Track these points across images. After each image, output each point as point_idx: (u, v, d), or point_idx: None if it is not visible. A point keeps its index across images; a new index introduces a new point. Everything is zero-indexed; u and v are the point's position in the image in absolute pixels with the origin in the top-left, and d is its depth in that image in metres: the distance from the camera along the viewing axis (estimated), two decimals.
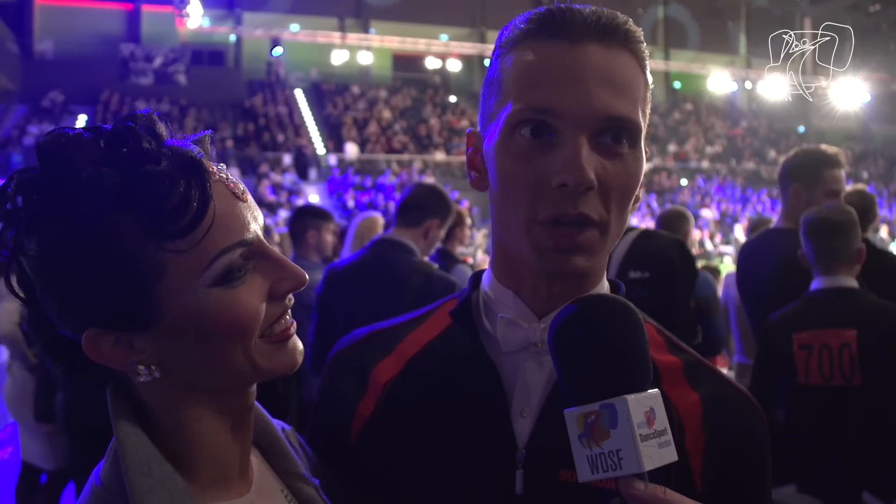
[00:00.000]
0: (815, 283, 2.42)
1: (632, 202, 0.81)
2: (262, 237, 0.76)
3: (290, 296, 0.78)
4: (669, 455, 0.66)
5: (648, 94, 0.82)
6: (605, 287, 0.89)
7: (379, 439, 0.89)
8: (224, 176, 0.75)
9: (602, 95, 0.76)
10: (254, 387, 0.80)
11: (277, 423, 0.90)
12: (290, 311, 0.79)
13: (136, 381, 0.73)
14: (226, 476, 0.77)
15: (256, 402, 0.83)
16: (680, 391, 0.85)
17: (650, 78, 0.83)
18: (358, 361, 0.96)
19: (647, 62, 0.82)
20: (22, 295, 0.71)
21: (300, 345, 0.80)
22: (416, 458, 0.86)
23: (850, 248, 2.37)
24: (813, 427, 2.35)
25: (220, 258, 0.70)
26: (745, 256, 3.08)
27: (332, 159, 22.42)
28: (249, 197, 0.77)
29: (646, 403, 0.66)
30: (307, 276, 0.77)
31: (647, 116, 0.82)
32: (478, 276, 0.95)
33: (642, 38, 0.81)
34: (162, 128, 0.73)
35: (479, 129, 0.88)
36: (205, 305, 0.70)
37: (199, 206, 0.69)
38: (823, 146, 2.89)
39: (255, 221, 0.76)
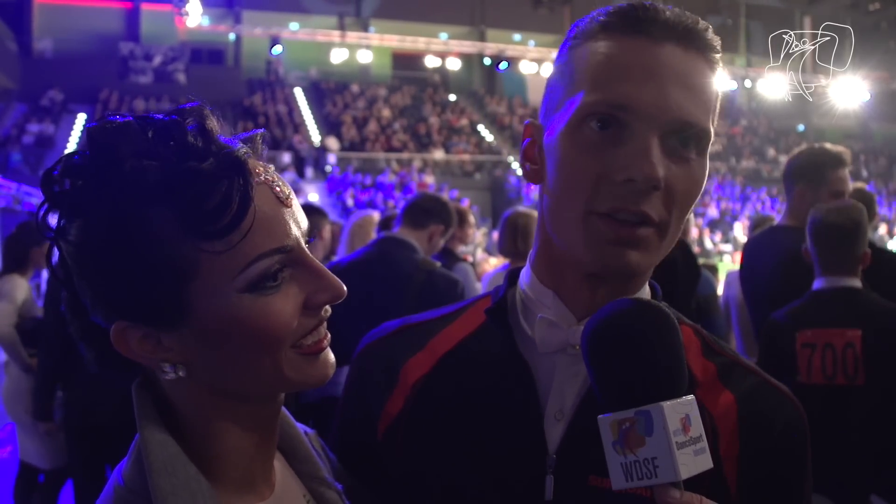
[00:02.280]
0: (818, 283, 2.41)
1: (690, 210, 0.79)
2: (302, 245, 0.74)
3: (328, 307, 0.75)
4: (705, 462, 0.65)
5: (718, 105, 0.80)
6: (646, 293, 0.86)
7: (406, 438, 0.87)
8: (271, 178, 0.73)
9: (678, 97, 0.74)
10: (282, 394, 0.78)
11: (301, 427, 0.88)
12: (325, 322, 0.76)
13: (162, 379, 0.72)
14: (249, 480, 0.76)
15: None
16: (714, 395, 0.83)
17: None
18: (387, 356, 0.93)
19: (720, 73, 0.79)
20: (62, 277, 0.71)
21: (332, 358, 0.77)
22: (444, 459, 0.84)
23: (855, 252, 2.36)
24: (814, 426, 2.33)
25: (256, 263, 0.68)
26: (749, 253, 3.08)
27: (332, 158, 22.41)
28: (295, 202, 0.75)
29: (681, 410, 0.65)
30: (345, 289, 0.75)
31: (715, 126, 0.80)
32: (515, 273, 0.93)
33: (719, 49, 0.79)
34: (213, 123, 0.72)
35: (539, 120, 0.85)
36: (236, 311, 0.69)
37: (239, 207, 0.67)
38: (828, 145, 2.85)
39: (298, 228, 0.73)
